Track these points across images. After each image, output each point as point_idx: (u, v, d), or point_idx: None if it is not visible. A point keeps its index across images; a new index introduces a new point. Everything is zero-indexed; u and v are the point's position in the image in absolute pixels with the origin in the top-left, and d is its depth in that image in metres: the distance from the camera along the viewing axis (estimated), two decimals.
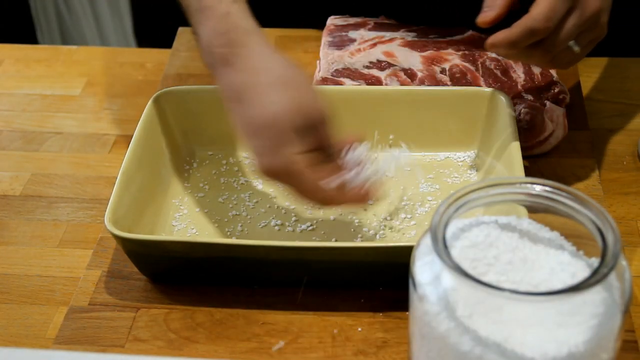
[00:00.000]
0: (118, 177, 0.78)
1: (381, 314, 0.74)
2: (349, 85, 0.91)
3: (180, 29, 1.11)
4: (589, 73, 1.01)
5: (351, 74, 0.92)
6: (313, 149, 0.73)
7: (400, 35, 0.97)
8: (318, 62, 0.96)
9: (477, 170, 0.87)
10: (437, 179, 0.86)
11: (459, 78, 0.90)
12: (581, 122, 0.93)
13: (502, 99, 0.84)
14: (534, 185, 0.61)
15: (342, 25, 1.00)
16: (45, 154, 0.95)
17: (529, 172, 0.85)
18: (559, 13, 0.73)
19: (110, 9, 2.00)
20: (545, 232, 0.61)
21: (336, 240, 0.80)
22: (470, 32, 0.98)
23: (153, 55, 1.10)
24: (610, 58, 1.04)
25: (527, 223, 0.61)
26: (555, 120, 0.88)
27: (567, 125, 0.89)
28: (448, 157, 0.88)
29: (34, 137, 0.97)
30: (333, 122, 0.74)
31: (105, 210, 0.74)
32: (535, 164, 0.88)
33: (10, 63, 1.10)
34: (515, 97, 0.87)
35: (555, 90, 0.89)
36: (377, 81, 0.91)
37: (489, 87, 0.88)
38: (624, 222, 0.82)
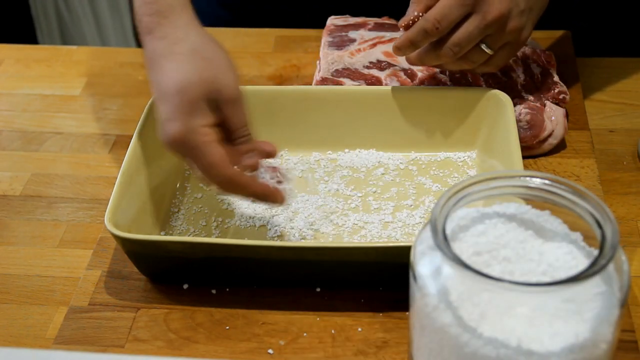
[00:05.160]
0: (118, 177, 0.78)
1: (381, 314, 0.74)
2: (349, 85, 0.91)
3: None
4: (589, 73, 1.01)
5: (351, 74, 0.92)
6: (220, 125, 0.73)
7: (400, 35, 0.97)
8: (318, 62, 0.96)
9: (477, 171, 0.87)
10: (437, 179, 0.86)
11: (458, 78, 0.90)
12: (581, 122, 0.93)
13: (502, 99, 0.84)
14: (533, 178, 0.61)
15: (342, 25, 1.00)
16: (45, 154, 0.95)
17: None
18: (452, 15, 0.77)
19: (110, 9, 2.00)
20: (550, 223, 0.61)
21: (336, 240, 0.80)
22: None
23: None
24: (610, 58, 1.04)
25: (531, 213, 0.61)
26: (555, 120, 0.88)
27: (567, 125, 0.89)
28: (448, 157, 0.88)
29: (34, 137, 0.97)
30: (245, 106, 0.74)
31: (105, 210, 0.74)
32: (535, 164, 0.88)
33: (10, 63, 1.10)
34: (515, 97, 0.87)
35: (555, 91, 0.89)
36: (377, 81, 0.91)
37: (489, 87, 0.88)
38: (624, 222, 0.82)
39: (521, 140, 0.81)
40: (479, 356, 0.56)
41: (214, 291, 0.76)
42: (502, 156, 0.81)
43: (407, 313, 0.71)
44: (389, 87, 0.89)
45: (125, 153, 0.81)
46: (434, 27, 0.78)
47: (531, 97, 0.88)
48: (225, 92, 0.73)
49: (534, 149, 0.88)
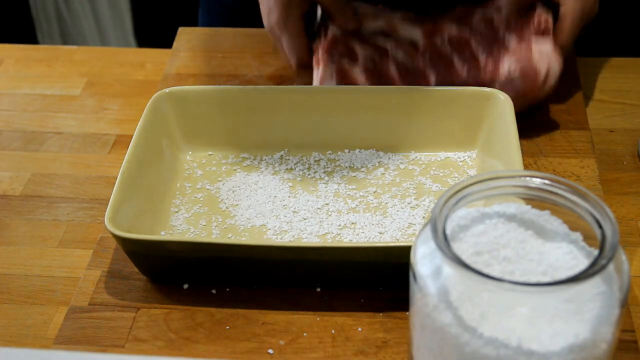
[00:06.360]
0: (118, 177, 0.78)
1: (381, 314, 0.74)
2: (349, 85, 0.91)
3: (180, 29, 1.11)
4: (589, 73, 1.01)
5: (360, 37, 0.91)
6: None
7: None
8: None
9: (477, 171, 0.87)
10: (437, 179, 0.86)
11: (460, 49, 0.89)
12: (581, 122, 0.93)
13: (502, 99, 0.84)
14: (533, 178, 0.61)
15: None
16: (45, 154, 0.95)
17: None
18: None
19: (110, 9, 2.00)
20: (550, 223, 0.61)
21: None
22: (460, 7, 0.96)
23: (153, 55, 1.10)
24: (610, 58, 1.04)
25: (531, 213, 0.61)
26: (545, 55, 0.86)
27: (560, 61, 0.87)
28: (448, 157, 0.88)
29: (34, 137, 0.97)
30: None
31: (105, 210, 0.74)
32: (535, 164, 0.88)
33: (10, 63, 1.10)
34: (499, 48, 0.85)
35: (536, 22, 0.88)
36: (384, 52, 0.90)
37: (476, 46, 0.87)
38: (624, 222, 0.82)
39: (521, 93, 0.79)
40: (479, 356, 0.56)
41: (214, 291, 0.76)
42: (502, 156, 0.81)
43: (407, 313, 0.71)
44: (389, 87, 0.89)
45: (125, 153, 0.81)
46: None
47: (513, 42, 0.87)
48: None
49: (537, 98, 0.87)
